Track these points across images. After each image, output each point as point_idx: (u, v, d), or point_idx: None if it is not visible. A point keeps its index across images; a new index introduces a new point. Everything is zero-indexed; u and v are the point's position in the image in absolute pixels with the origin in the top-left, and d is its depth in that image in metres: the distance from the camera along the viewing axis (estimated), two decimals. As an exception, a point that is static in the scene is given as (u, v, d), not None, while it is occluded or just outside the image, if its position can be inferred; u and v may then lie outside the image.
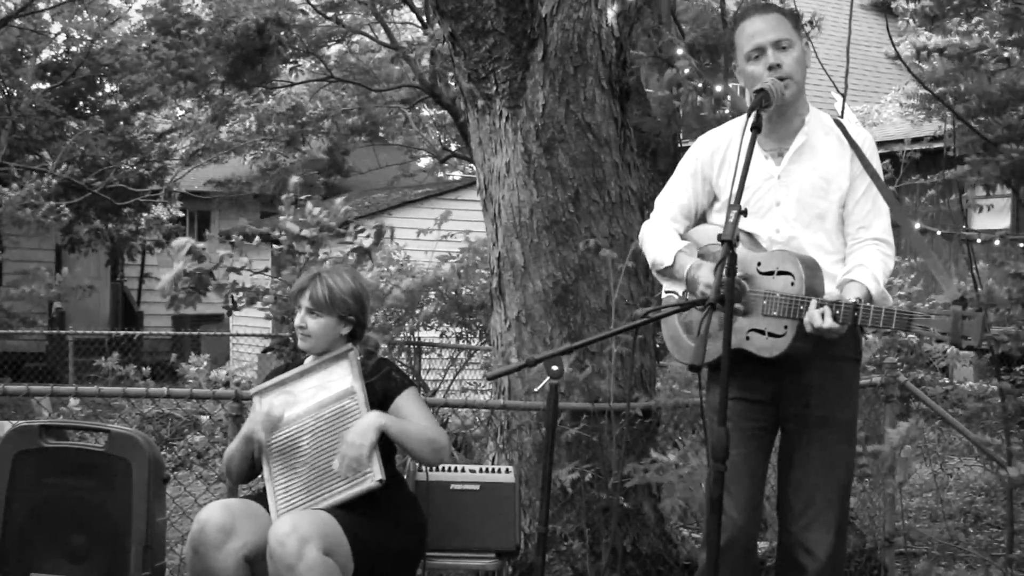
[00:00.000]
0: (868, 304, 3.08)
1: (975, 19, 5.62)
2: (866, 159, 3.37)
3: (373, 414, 3.62)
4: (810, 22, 9.52)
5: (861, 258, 3.31)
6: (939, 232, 4.99)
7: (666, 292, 3.57)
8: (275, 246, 6.17)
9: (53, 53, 16.74)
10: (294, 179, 6.50)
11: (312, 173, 18.26)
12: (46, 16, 15.95)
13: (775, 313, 3.17)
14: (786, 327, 3.17)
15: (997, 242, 4.83)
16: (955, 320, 2.90)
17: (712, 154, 3.51)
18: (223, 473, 3.96)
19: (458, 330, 8.03)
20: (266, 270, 6.58)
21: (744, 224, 3.27)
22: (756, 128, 3.02)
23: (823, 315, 3.04)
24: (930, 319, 2.96)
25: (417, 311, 7.12)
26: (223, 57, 15.49)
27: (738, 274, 3.18)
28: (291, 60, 16.82)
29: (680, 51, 6.03)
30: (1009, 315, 5.07)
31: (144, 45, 16.02)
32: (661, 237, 3.53)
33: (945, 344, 3.02)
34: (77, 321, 16.85)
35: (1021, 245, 4.80)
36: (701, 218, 3.60)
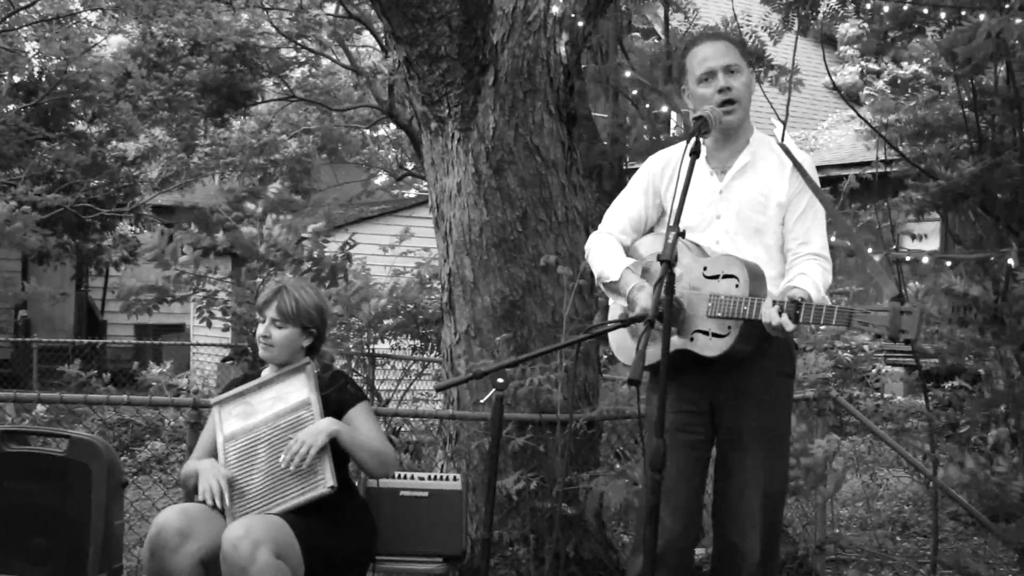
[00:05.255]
0: (811, 302, 3.19)
1: (914, 43, 5.82)
2: (808, 176, 3.53)
3: (327, 420, 3.74)
4: (775, 67, 9.77)
5: (802, 268, 3.45)
6: (870, 250, 5.19)
7: (610, 300, 3.72)
8: (243, 258, 6.28)
9: (28, 73, 16.71)
10: (273, 187, 6.63)
11: (283, 188, 18.30)
12: (22, 36, 15.93)
13: (719, 314, 3.30)
14: (729, 327, 3.30)
15: (925, 259, 5.03)
16: (893, 315, 2.99)
17: (663, 169, 3.66)
18: (181, 482, 4.08)
19: (414, 342, 8.17)
20: (228, 277, 6.69)
21: (690, 236, 3.45)
22: (695, 153, 3.14)
23: (779, 312, 3.15)
24: (869, 315, 3.05)
25: (379, 325, 7.26)
26: (209, 96, 15.62)
27: (684, 283, 3.35)
28: (257, 81, 16.95)
29: (628, 73, 6.19)
30: (938, 332, 5.27)
31: (119, 68, 16.02)
32: (608, 252, 3.66)
33: (884, 339, 3.14)
34: (42, 329, 16.79)
35: (949, 264, 5.02)
36: (649, 230, 3.74)
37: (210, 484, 3.69)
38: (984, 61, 4.73)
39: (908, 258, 5.23)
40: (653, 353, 3.11)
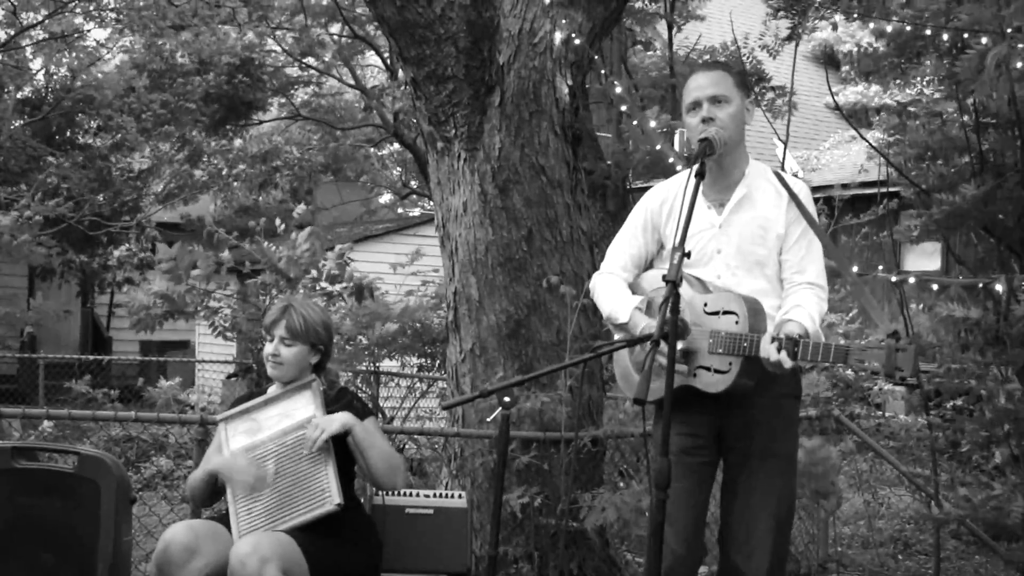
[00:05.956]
0: (807, 339, 3.21)
1: (912, 75, 5.86)
2: (803, 206, 3.55)
3: (343, 413, 3.78)
4: (774, 89, 9.84)
5: (798, 299, 3.46)
6: (855, 269, 5.24)
7: (618, 337, 3.74)
8: (249, 273, 6.32)
9: (33, 89, 16.80)
10: (300, 208, 6.68)
11: (286, 211, 18.34)
12: (27, 53, 16.02)
13: (720, 351, 3.33)
14: (731, 364, 3.32)
15: (911, 280, 5.06)
16: (889, 353, 3.02)
17: (661, 205, 3.68)
18: (187, 497, 4.11)
19: (420, 361, 8.22)
20: (236, 294, 6.76)
21: (690, 271, 3.49)
22: (700, 175, 3.19)
23: (778, 350, 3.17)
24: (865, 352, 3.09)
25: (388, 344, 7.32)
26: (211, 106, 15.69)
27: (687, 318, 3.34)
28: (261, 92, 17.01)
29: (619, 89, 6.22)
30: (937, 353, 5.30)
31: (124, 82, 16.10)
32: (615, 292, 3.68)
33: (880, 377, 3.19)
34: (48, 345, 16.82)
35: (935, 287, 5.06)
36: (649, 265, 3.77)
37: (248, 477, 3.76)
38: (1001, 94, 4.79)
39: (894, 279, 5.25)
40: (658, 388, 3.14)
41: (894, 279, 4.96)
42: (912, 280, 4.99)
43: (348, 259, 6.74)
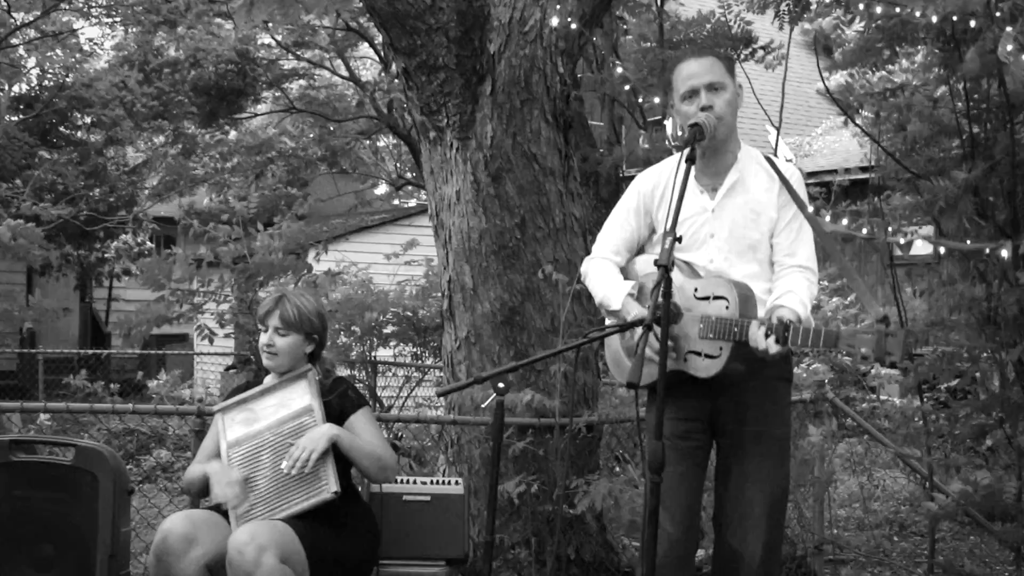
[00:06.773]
0: (798, 324, 3.22)
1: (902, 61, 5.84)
2: (793, 191, 3.56)
3: (327, 425, 3.80)
4: (764, 48, 9.82)
5: (789, 284, 3.48)
6: (863, 233, 5.24)
7: (610, 323, 3.78)
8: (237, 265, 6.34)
9: (28, 87, 16.81)
10: (238, 205, 6.70)
11: (282, 206, 18.34)
12: (20, 51, 16.02)
13: (711, 335, 3.34)
14: (721, 348, 3.34)
15: (920, 242, 5.06)
16: (878, 338, 3.04)
17: (653, 189, 3.69)
18: (185, 489, 4.13)
19: (415, 350, 8.25)
20: (229, 285, 6.76)
21: (682, 255, 3.51)
22: (691, 160, 3.19)
23: (766, 336, 3.19)
24: (855, 338, 3.11)
25: (380, 333, 7.32)
26: (200, 97, 15.69)
27: (678, 302, 3.36)
28: (257, 94, 17.03)
29: (620, 70, 6.20)
30: (932, 336, 5.31)
31: (117, 79, 16.10)
32: (607, 278, 3.69)
33: (871, 362, 3.19)
34: (47, 340, 16.87)
35: (942, 250, 5.07)
36: (640, 249, 3.79)
37: (228, 492, 3.75)
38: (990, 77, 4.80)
39: (901, 241, 5.25)
40: (650, 373, 3.17)
41: (902, 241, 4.96)
42: (920, 243, 4.99)
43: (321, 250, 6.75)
